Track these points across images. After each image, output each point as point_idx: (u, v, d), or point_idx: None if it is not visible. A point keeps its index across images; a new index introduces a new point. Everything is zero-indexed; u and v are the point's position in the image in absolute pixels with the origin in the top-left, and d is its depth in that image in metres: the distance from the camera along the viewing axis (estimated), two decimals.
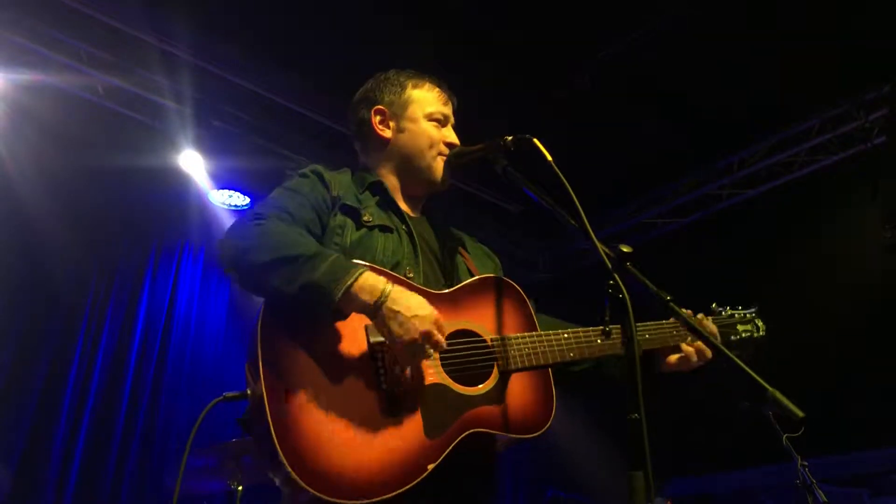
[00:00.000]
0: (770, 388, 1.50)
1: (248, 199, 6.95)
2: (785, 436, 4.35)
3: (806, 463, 4.24)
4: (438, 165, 2.52)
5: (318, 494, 1.82)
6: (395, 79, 2.62)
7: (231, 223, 2.26)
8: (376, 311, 1.96)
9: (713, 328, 2.51)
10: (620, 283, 1.69)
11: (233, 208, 6.99)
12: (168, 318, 6.85)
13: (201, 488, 4.76)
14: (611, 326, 2.28)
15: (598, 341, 2.31)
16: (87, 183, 6.31)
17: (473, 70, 5.87)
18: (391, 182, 2.56)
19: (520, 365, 2.20)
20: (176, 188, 6.70)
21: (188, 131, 6.21)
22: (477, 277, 2.35)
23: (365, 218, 2.35)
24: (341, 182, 2.45)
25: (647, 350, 2.46)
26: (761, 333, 2.69)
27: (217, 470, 4.39)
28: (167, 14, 5.59)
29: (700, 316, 2.54)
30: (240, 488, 4.35)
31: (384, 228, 2.36)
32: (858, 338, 5.90)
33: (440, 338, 1.98)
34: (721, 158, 7.25)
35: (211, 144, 6.34)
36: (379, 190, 2.48)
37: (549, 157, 2.02)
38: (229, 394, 2.16)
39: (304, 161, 6.97)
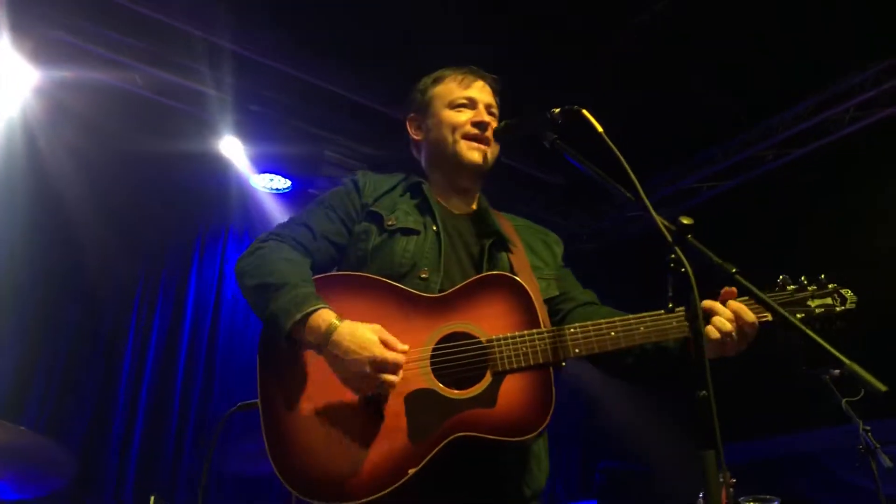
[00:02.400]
0: (847, 361, 1.42)
1: (289, 182, 6.97)
2: (845, 400, 4.23)
3: (868, 427, 4.13)
4: (463, 148, 2.53)
5: (300, 495, 2.02)
6: (422, 84, 2.71)
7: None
8: (321, 351, 2.09)
9: (750, 317, 2.10)
10: (682, 256, 1.62)
11: (274, 192, 7.02)
12: (216, 305, 6.91)
13: (254, 472, 4.84)
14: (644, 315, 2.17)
15: (612, 334, 2.14)
16: (128, 175, 6.37)
17: (514, 37, 5.77)
18: (437, 180, 2.62)
19: (514, 366, 2.11)
20: (217, 174, 6.75)
21: (228, 117, 6.24)
22: (477, 276, 2.28)
23: (389, 222, 2.43)
24: (379, 187, 2.56)
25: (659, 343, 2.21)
26: (847, 306, 2.16)
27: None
28: (204, 1, 5.58)
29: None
30: None
31: (407, 231, 2.42)
32: None
33: (384, 377, 2.01)
34: (765, 119, 7.03)
35: (251, 129, 6.36)
36: (418, 192, 2.55)
37: (600, 128, 1.95)
38: (244, 403, 2.51)
39: (340, 142, 6.95)
